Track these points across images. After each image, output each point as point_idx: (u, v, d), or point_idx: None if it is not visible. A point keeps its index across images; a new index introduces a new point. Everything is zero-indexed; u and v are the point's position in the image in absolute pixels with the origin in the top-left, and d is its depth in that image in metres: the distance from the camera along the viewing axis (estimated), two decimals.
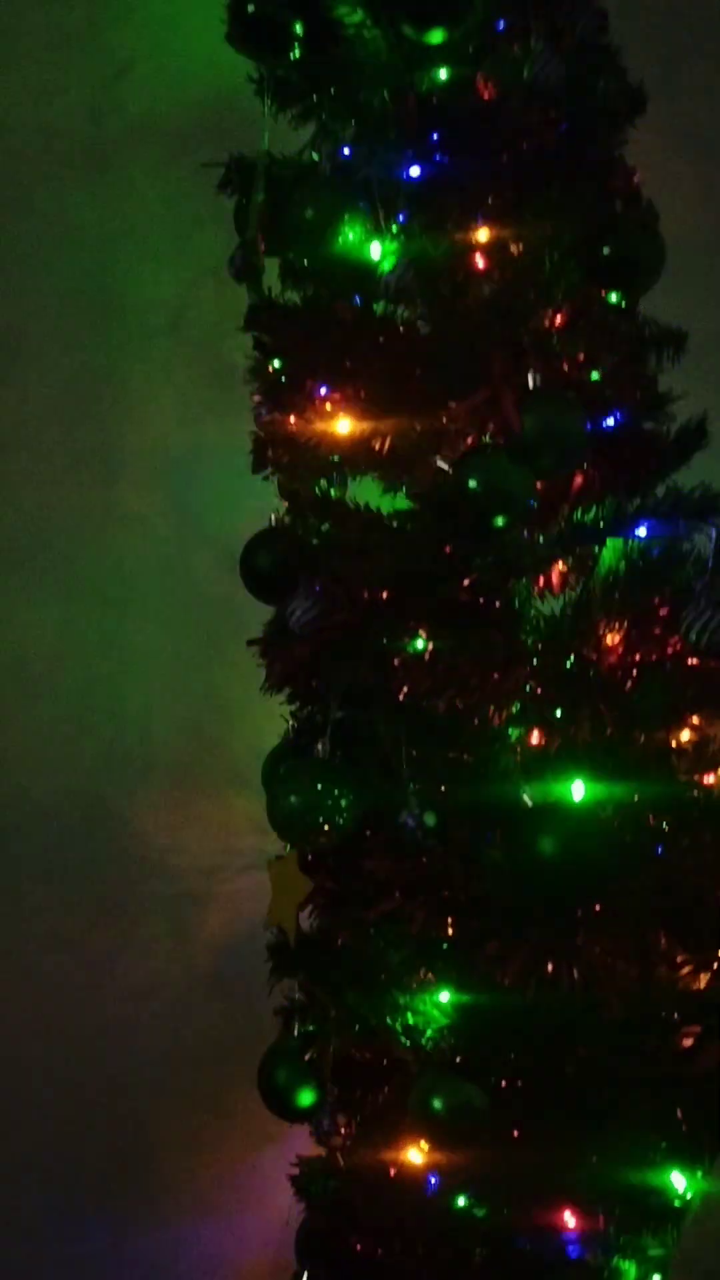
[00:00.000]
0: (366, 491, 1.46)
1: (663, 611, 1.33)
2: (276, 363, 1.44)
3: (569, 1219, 1.27)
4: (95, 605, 1.88)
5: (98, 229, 1.85)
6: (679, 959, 1.27)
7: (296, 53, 1.40)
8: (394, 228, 1.34)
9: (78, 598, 1.88)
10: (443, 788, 1.30)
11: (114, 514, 1.89)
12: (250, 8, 1.38)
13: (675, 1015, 1.27)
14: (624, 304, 1.42)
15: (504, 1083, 1.27)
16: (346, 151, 1.43)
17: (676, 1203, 1.25)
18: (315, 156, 1.48)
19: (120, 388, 1.88)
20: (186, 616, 1.91)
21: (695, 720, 1.35)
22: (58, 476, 1.87)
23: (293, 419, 1.40)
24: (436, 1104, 1.25)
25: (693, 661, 1.29)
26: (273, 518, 1.48)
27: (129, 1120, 1.83)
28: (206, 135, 1.80)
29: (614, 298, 1.41)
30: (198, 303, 1.86)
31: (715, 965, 1.27)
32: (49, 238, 1.84)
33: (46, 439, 1.87)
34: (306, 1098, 1.39)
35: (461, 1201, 1.33)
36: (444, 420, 1.32)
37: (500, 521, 1.25)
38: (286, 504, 1.46)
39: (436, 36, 1.33)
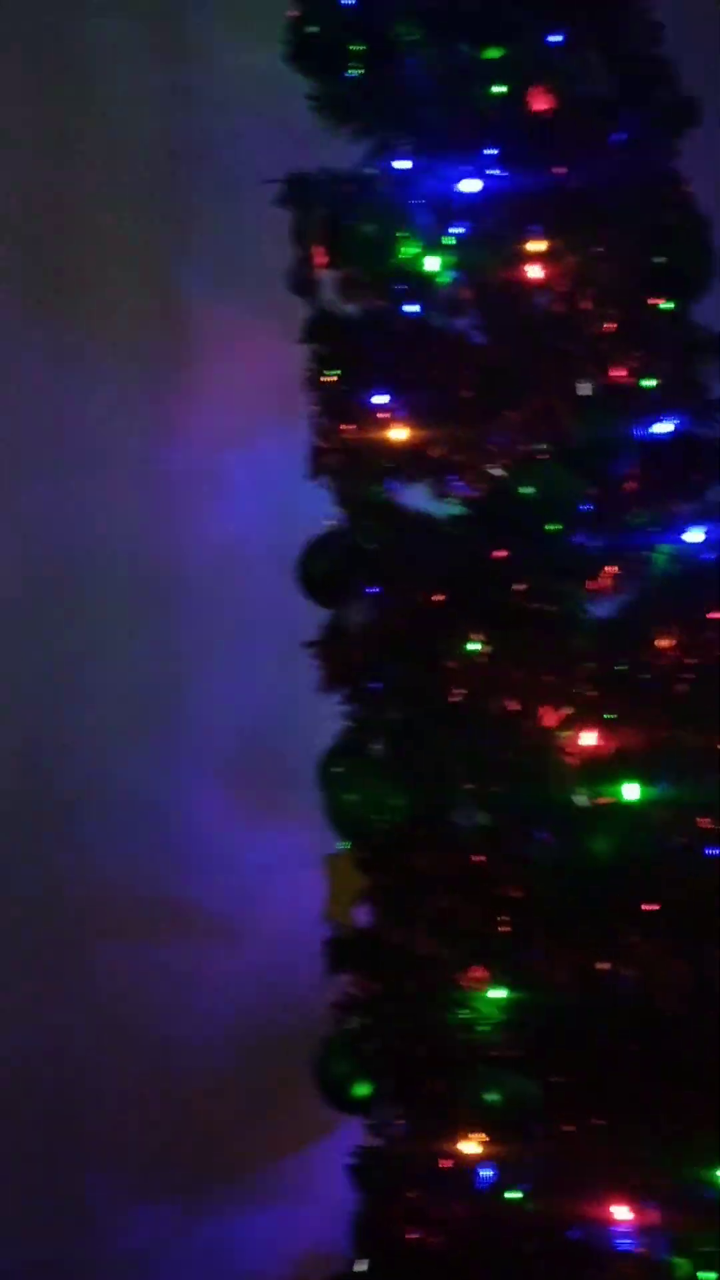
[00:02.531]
0: (417, 497, 1.49)
1: (715, 615, 1.35)
2: (334, 373, 1.48)
3: (622, 1212, 1.29)
4: (155, 609, 1.93)
5: (159, 242, 1.90)
6: None
7: (355, 71, 1.44)
8: (451, 240, 1.37)
9: (137, 602, 1.93)
10: (495, 788, 1.32)
11: (173, 520, 1.93)
12: (310, 28, 1.42)
13: None
14: (676, 312, 1.44)
15: (558, 1078, 1.29)
16: (403, 166, 1.47)
17: None
18: (372, 171, 1.52)
19: (176, 399, 1.92)
20: (242, 620, 1.95)
21: None
22: (122, 484, 1.92)
23: (349, 427, 1.44)
24: (492, 1097, 1.27)
25: None
26: (329, 523, 1.52)
27: (183, 1113, 1.87)
28: (266, 153, 1.85)
29: (666, 306, 1.43)
30: (254, 316, 1.91)
31: None
32: (118, 260, 1.90)
33: (113, 448, 1.92)
34: (362, 1089, 1.42)
35: (513, 1194, 1.35)
36: (498, 428, 1.35)
37: (554, 526, 1.27)
38: (342, 510, 1.50)
39: (493, 53, 1.36)
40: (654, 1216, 1.28)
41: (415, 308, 1.41)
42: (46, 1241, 1.82)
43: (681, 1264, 1.31)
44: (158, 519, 1.92)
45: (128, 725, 1.91)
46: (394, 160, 1.46)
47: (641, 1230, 1.28)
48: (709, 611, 1.36)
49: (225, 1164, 1.87)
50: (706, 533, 1.40)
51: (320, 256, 1.51)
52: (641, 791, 1.28)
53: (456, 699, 1.34)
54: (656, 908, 1.27)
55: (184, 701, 1.92)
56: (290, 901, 1.86)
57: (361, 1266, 1.46)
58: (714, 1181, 1.27)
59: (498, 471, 1.33)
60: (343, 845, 1.49)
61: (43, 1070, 1.83)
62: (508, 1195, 1.35)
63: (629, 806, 1.28)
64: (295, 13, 1.45)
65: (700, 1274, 1.30)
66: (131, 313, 1.91)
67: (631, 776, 1.29)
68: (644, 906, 1.25)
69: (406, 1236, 1.42)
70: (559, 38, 1.41)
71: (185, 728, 1.92)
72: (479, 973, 1.34)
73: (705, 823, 1.32)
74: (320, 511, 1.62)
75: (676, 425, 1.42)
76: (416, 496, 1.48)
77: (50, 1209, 1.83)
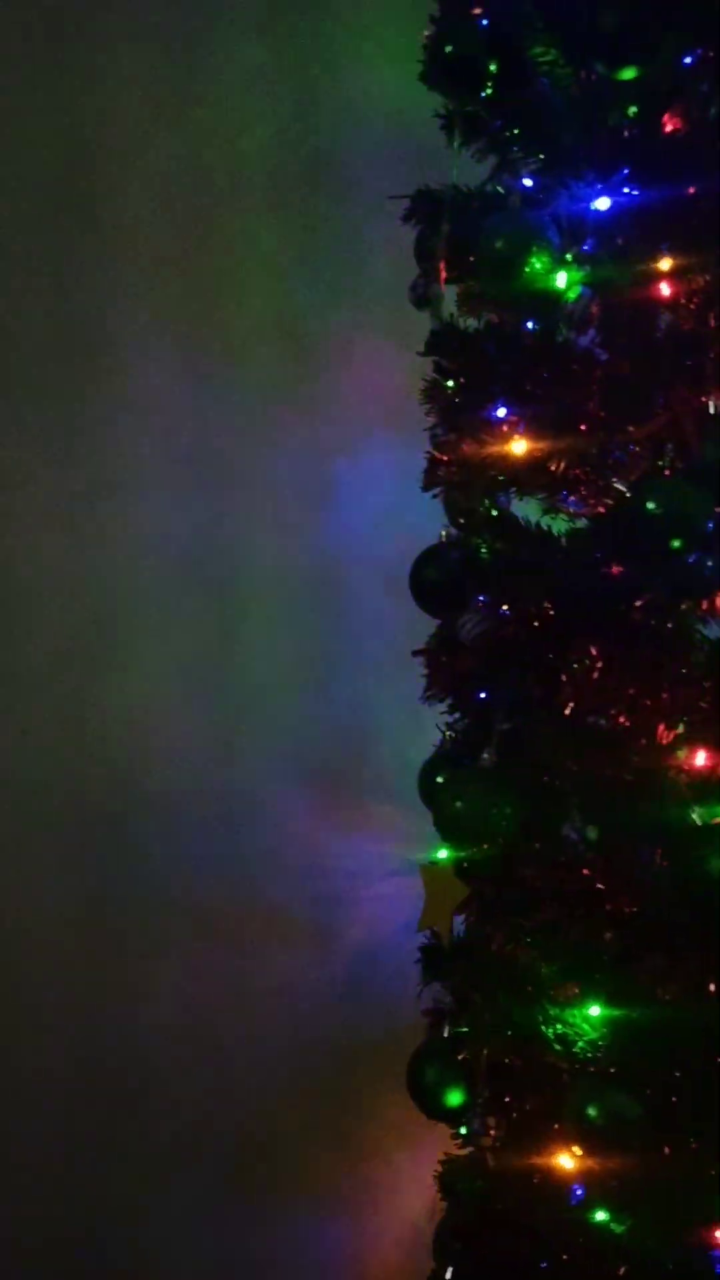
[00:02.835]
0: (532, 511, 1.50)
1: None
2: (453, 384, 1.50)
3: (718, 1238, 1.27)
4: (251, 613, 1.96)
5: (279, 259, 1.93)
6: None
7: (489, 90, 1.46)
8: (579, 256, 1.38)
9: (234, 605, 1.96)
10: (606, 803, 1.32)
11: (273, 525, 1.96)
12: (449, 48, 1.45)
13: None
14: None
15: (658, 1097, 1.28)
16: (529, 183, 1.48)
17: None
18: (500, 189, 1.53)
19: (289, 410, 1.96)
20: (339, 627, 1.97)
21: None
22: (222, 488, 1.96)
23: (467, 439, 1.45)
24: (592, 1111, 1.27)
25: None
26: (442, 534, 1.53)
27: (262, 1116, 1.88)
28: (384, 167, 1.88)
29: None
30: (367, 328, 1.93)
31: None
32: (234, 267, 1.93)
33: (213, 453, 1.95)
34: (455, 1098, 1.42)
35: (602, 1215, 1.34)
36: (621, 443, 1.35)
37: (677, 544, 1.27)
38: (457, 521, 1.51)
39: (628, 74, 1.37)
40: None
41: (540, 323, 1.42)
42: (121, 1248, 1.83)
43: None
44: (270, 528, 1.95)
45: (224, 729, 1.94)
46: (523, 178, 1.48)
47: None
48: None
49: (302, 1169, 1.88)
50: None
51: (444, 271, 1.54)
52: None
53: (568, 712, 1.34)
54: None
55: (283, 708, 1.94)
56: (381, 909, 1.88)
57: (447, 1276, 1.46)
58: None
59: (620, 486, 1.34)
60: (440, 854, 1.50)
61: (125, 1074, 1.85)
62: (599, 1213, 1.34)
63: None
64: (432, 32, 1.47)
65: None
66: (255, 328, 1.94)
67: None
68: None
69: (494, 1247, 1.42)
70: (692, 60, 1.42)
71: (281, 733, 1.94)
72: (579, 986, 1.34)
73: None
74: (426, 522, 1.64)
75: None
76: (532, 510, 1.49)
77: (123, 1216, 1.84)
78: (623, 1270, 1.32)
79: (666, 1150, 1.28)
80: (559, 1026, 1.34)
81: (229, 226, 1.92)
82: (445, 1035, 1.45)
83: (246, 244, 1.92)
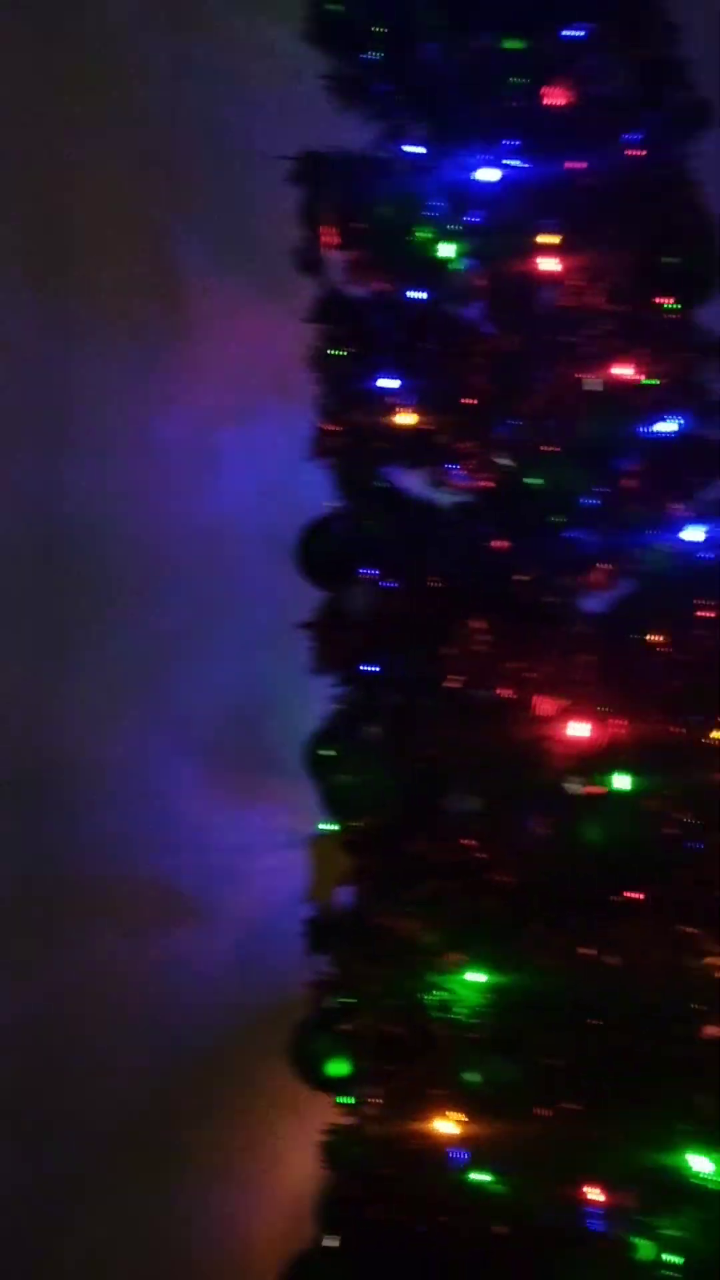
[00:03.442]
0: (420, 484, 1.50)
1: (708, 613, 1.37)
2: (340, 353, 1.48)
3: (591, 1195, 1.31)
4: (136, 589, 1.92)
5: (155, 212, 1.88)
6: (708, 950, 1.31)
7: (375, 53, 1.43)
8: (465, 227, 1.38)
9: (118, 581, 1.92)
10: (489, 775, 1.34)
11: (157, 499, 1.92)
12: (332, 6, 1.42)
13: (703, 1004, 1.32)
14: (681, 313, 1.45)
15: (537, 1061, 1.31)
16: (418, 150, 1.47)
17: (699, 1185, 1.29)
18: (386, 154, 1.51)
19: (171, 374, 1.91)
20: (227, 600, 1.95)
21: None
22: (104, 460, 1.91)
23: (354, 410, 1.44)
24: (471, 1077, 1.29)
25: None
26: (329, 506, 1.52)
27: (151, 1089, 1.87)
28: (269, 129, 1.84)
29: (672, 306, 1.45)
30: (252, 293, 1.90)
31: None
32: (106, 221, 1.87)
33: (95, 422, 1.90)
34: (339, 1068, 1.43)
35: (483, 1176, 1.37)
36: (506, 419, 1.36)
37: (559, 519, 1.29)
38: (344, 493, 1.50)
39: (514, 44, 1.37)
40: (623, 1200, 1.30)
41: (426, 293, 1.41)
42: (12, 1216, 1.81)
43: (645, 1246, 1.34)
44: (150, 495, 1.90)
45: (110, 703, 1.90)
46: (409, 145, 1.47)
47: (610, 1213, 1.30)
48: (701, 610, 1.38)
49: (193, 1142, 1.87)
50: (705, 532, 1.43)
51: (331, 236, 1.51)
52: (632, 782, 1.30)
53: (453, 685, 1.35)
54: (641, 896, 1.29)
55: (167, 680, 1.91)
56: (269, 882, 1.87)
57: (331, 1243, 1.47)
58: (684, 1167, 1.29)
59: (505, 462, 1.34)
60: (327, 827, 1.50)
61: (14, 1045, 1.82)
62: (478, 1176, 1.37)
63: (619, 796, 1.30)
64: None
65: (665, 1257, 1.33)
66: (130, 285, 1.89)
67: (622, 767, 1.31)
68: (629, 895, 1.27)
69: (375, 1214, 1.44)
70: (579, 34, 1.42)
71: (167, 707, 1.91)
72: (462, 955, 1.36)
73: (690, 815, 1.35)
74: (316, 493, 1.63)
75: (677, 425, 1.44)
76: (418, 483, 1.49)
77: (17, 1185, 1.82)
78: (499, 1229, 1.35)
79: (544, 1112, 1.31)
80: (440, 994, 1.35)
81: (100, 179, 1.86)
82: (329, 1007, 1.46)
83: (119, 199, 1.86)
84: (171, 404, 1.90)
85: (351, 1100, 1.44)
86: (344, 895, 1.48)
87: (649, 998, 1.27)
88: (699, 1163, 1.30)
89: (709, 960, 1.33)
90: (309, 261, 1.54)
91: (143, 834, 1.89)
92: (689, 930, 1.30)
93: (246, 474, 1.93)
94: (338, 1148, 1.49)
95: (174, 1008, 1.87)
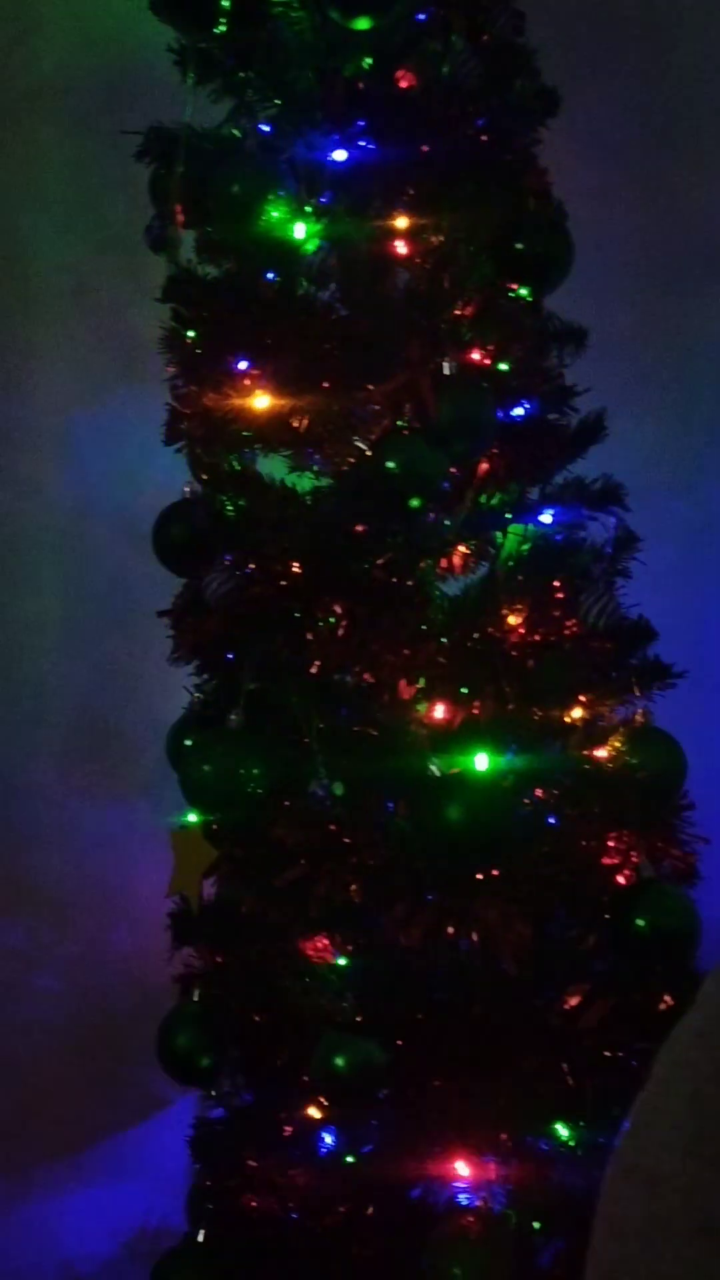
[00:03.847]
0: (276, 468, 1.48)
1: (561, 595, 1.40)
2: (193, 334, 1.45)
3: (460, 1169, 1.33)
4: None
5: (6, 196, 1.80)
6: (568, 922, 1.35)
7: (222, 27, 1.41)
8: (317, 209, 1.36)
9: None
10: (351, 758, 1.34)
11: (8, 481, 1.85)
12: None
13: (563, 976, 1.35)
14: (531, 299, 1.48)
15: (402, 1041, 1.32)
16: (267, 129, 1.45)
17: (560, 1152, 1.33)
18: (236, 132, 1.49)
19: (19, 354, 1.84)
20: (81, 587, 1.90)
21: (584, 698, 1.43)
22: None
23: (209, 393, 1.41)
24: (338, 1061, 1.29)
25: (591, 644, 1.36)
26: (186, 490, 1.49)
27: (13, 1090, 1.82)
28: (117, 102, 1.78)
29: (523, 292, 1.47)
30: (103, 271, 1.84)
31: (601, 929, 1.36)
32: None
33: None
34: (206, 1060, 1.42)
35: (351, 1158, 1.38)
36: (361, 401, 1.35)
37: (416, 502, 1.29)
38: (200, 477, 1.47)
39: (362, 24, 1.36)
40: (492, 1171, 1.33)
41: (280, 274, 1.39)
42: None
43: (512, 1215, 1.37)
44: (3, 480, 1.84)
45: None
46: (260, 123, 1.44)
47: (480, 1185, 1.32)
48: (555, 591, 1.41)
49: (56, 1141, 1.83)
50: (554, 515, 1.46)
51: (180, 214, 1.48)
52: (490, 762, 1.32)
53: (314, 670, 1.34)
54: (496, 874, 1.31)
55: (20, 670, 1.85)
56: (129, 876, 1.83)
57: (200, 1237, 1.45)
58: (551, 1136, 1.33)
59: (360, 444, 1.34)
60: (188, 818, 1.47)
61: None
62: (347, 1159, 1.37)
63: (478, 776, 1.31)
64: None
65: (531, 1224, 1.37)
66: None
67: (481, 747, 1.32)
68: (490, 872, 1.29)
69: (245, 1205, 1.43)
70: (426, 18, 1.42)
71: (21, 697, 1.85)
72: (325, 940, 1.36)
73: (547, 792, 1.38)
74: (170, 478, 1.59)
75: (528, 409, 1.46)
76: (271, 467, 1.47)
77: None
78: (370, 1210, 1.36)
79: (409, 1091, 1.32)
80: (307, 980, 1.35)
81: None
82: (194, 999, 1.44)
83: None
84: (21, 385, 1.84)
85: (218, 1093, 1.42)
86: (208, 885, 1.46)
87: (510, 972, 1.29)
88: (562, 1131, 1.33)
89: (569, 932, 1.36)
90: (159, 240, 1.50)
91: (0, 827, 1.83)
92: (549, 903, 1.33)
93: (98, 458, 1.88)
94: (207, 1140, 1.47)
95: (36, 1006, 1.82)
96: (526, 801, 1.36)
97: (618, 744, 1.40)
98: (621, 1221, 0.46)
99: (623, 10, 1.92)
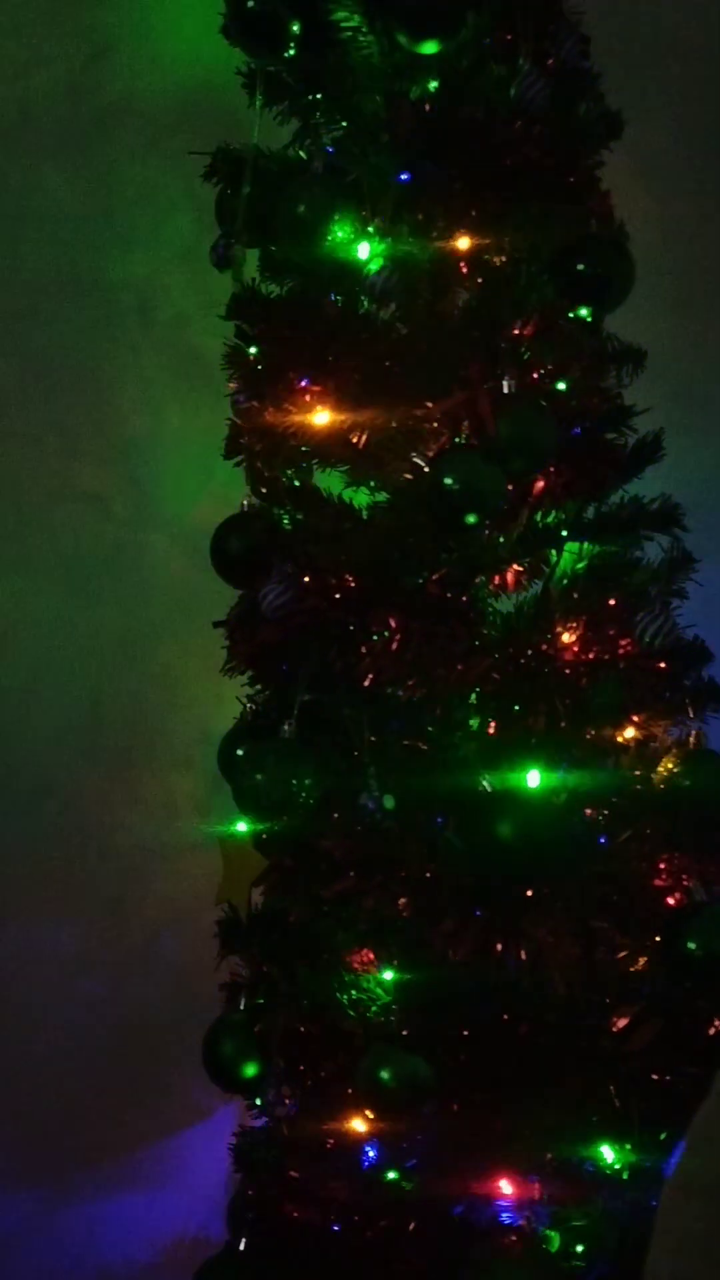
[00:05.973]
0: (333, 483, 1.50)
1: (616, 614, 1.40)
2: (255, 351, 1.48)
3: (503, 1187, 1.32)
4: (47, 582, 1.88)
5: (71, 208, 1.85)
6: (618, 943, 1.34)
7: (291, 51, 1.43)
8: (381, 229, 1.38)
9: (29, 573, 1.88)
10: (402, 772, 1.35)
11: (70, 492, 1.89)
12: (250, 3, 1.41)
13: (613, 996, 1.34)
14: (591, 320, 1.48)
15: (449, 1057, 1.32)
16: (332, 150, 1.47)
17: (605, 1175, 1.32)
18: (302, 153, 1.51)
19: (84, 367, 1.88)
20: (138, 597, 1.92)
21: (637, 718, 1.42)
22: (15, 452, 1.87)
23: (270, 408, 1.43)
24: (384, 1075, 1.29)
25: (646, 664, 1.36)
26: (244, 503, 1.51)
27: (57, 1095, 1.84)
28: (185, 123, 1.82)
29: (583, 312, 1.47)
30: (167, 288, 1.88)
31: (651, 950, 1.35)
32: (20, 213, 1.84)
33: (5, 414, 1.86)
34: (251, 1069, 1.42)
35: (392, 1174, 1.38)
36: (420, 419, 1.37)
37: (472, 519, 1.30)
38: (259, 490, 1.49)
39: (430, 48, 1.38)
40: (535, 1191, 1.32)
41: (342, 293, 1.41)
42: None
43: (555, 1237, 1.36)
44: (53, 486, 1.87)
45: (14, 702, 1.86)
46: (323, 144, 1.47)
47: (523, 1205, 1.32)
48: (611, 609, 1.41)
49: (96, 1147, 1.84)
50: (611, 534, 1.46)
51: (246, 234, 1.51)
52: (542, 779, 1.32)
53: (367, 683, 1.35)
54: (547, 891, 1.31)
55: (74, 678, 1.88)
56: (178, 883, 1.85)
57: (240, 1246, 1.46)
58: (596, 1157, 1.32)
59: (419, 461, 1.35)
60: (237, 827, 1.49)
61: None
62: (390, 1173, 1.37)
63: (530, 793, 1.31)
64: None
65: (574, 1247, 1.35)
66: (43, 272, 1.85)
67: (533, 764, 1.32)
68: (540, 890, 1.29)
69: (287, 1215, 1.43)
70: (492, 42, 1.44)
71: (78, 705, 1.88)
72: (373, 953, 1.36)
73: (598, 811, 1.37)
74: (223, 490, 1.62)
75: (585, 429, 1.46)
76: (326, 482, 1.49)
77: None
78: (411, 1225, 1.35)
79: (454, 1107, 1.32)
80: (353, 993, 1.35)
81: (13, 168, 1.82)
82: (241, 1008, 1.45)
83: (34, 189, 1.83)
84: (86, 400, 1.87)
85: (263, 1102, 1.43)
86: (256, 895, 1.48)
87: (561, 990, 1.29)
88: (608, 1153, 1.32)
89: (618, 953, 1.35)
90: (224, 259, 1.53)
91: (55, 834, 1.85)
92: (598, 924, 1.32)
93: (163, 471, 1.91)
94: (249, 1150, 1.48)
95: (83, 1010, 1.84)
96: (577, 820, 1.36)
97: (671, 765, 1.39)
98: (680, 1236, 0.46)
99: (687, 36, 1.93)
